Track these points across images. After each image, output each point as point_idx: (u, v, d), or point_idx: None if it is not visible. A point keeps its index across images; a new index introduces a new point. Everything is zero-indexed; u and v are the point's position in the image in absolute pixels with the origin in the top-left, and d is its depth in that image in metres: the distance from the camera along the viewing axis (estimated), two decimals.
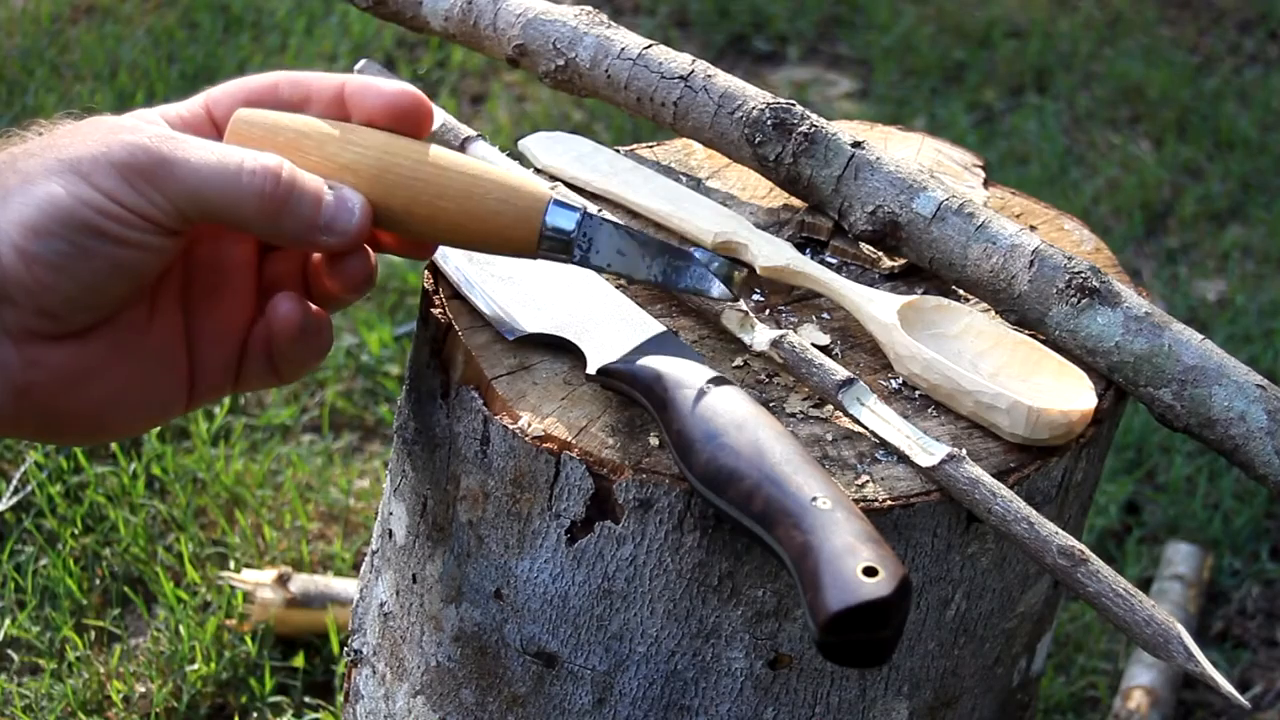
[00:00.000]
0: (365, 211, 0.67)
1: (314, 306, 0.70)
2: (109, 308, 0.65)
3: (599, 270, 0.70)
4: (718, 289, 0.70)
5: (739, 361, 0.78)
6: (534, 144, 0.94)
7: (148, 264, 0.64)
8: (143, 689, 1.35)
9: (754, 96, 0.88)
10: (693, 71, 0.90)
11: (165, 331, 0.68)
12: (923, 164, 0.94)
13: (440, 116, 0.93)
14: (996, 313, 0.83)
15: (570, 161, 0.91)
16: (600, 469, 0.71)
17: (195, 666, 1.35)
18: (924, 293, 0.84)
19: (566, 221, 0.68)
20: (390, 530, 0.86)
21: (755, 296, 0.84)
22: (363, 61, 0.96)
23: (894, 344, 0.76)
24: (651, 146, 0.98)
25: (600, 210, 0.69)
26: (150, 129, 0.65)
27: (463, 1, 0.96)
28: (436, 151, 0.68)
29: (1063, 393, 0.74)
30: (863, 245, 0.88)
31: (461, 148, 0.94)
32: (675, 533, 0.71)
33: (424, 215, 0.68)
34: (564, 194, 0.68)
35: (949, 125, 2.42)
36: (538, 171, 0.91)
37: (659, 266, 0.70)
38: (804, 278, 0.82)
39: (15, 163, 0.63)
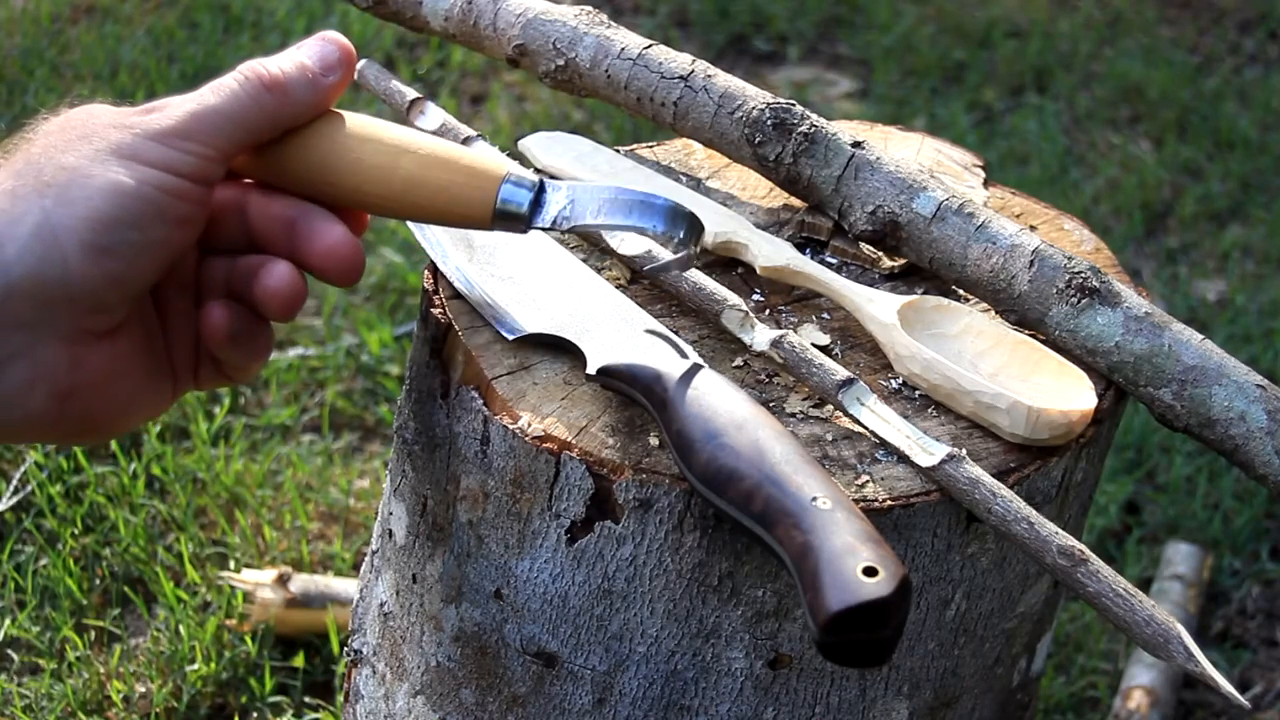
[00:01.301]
0: (338, 38, 0.71)
1: (249, 312, 0.69)
2: (142, 295, 0.66)
3: (548, 230, 0.69)
4: (662, 227, 0.69)
5: (739, 361, 0.78)
6: (534, 144, 0.94)
7: (186, 238, 0.66)
8: (143, 689, 1.35)
9: (754, 96, 0.88)
10: (693, 71, 0.90)
11: (154, 329, 0.69)
12: (923, 164, 0.94)
13: (440, 116, 0.93)
14: (997, 312, 0.83)
15: (570, 161, 0.91)
16: (600, 469, 0.71)
17: (195, 666, 1.35)
18: (924, 293, 0.84)
19: (520, 198, 0.68)
20: (390, 530, 0.86)
21: (755, 296, 0.84)
22: (363, 62, 0.96)
23: (894, 344, 0.76)
24: (651, 146, 0.98)
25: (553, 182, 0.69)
26: (122, 110, 0.67)
27: (463, 1, 0.96)
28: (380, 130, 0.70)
29: (1063, 393, 0.74)
30: (863, 245, 0.88)
31: None
32: (675, 533, 0.71)
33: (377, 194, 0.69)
34: (517, 171, 0.68)
35: (949, 125, 2.42)
36: (537, 173, 0.91)
37: (607, 208, 0.68)
38: (804, 278, 0.82)
39: (54, 157, 0.63)
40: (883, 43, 2.66)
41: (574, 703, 0.78)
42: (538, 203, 0.68)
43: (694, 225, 0.69)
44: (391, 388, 1.76)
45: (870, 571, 0.59)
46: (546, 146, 0.94)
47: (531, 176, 0.68)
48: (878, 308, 0.78)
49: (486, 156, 0.69)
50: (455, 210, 0.68)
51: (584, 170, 0.91)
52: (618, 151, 0.94)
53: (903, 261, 0.87)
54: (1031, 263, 0.81)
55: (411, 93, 0.96)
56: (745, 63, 2.64)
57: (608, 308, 0.78)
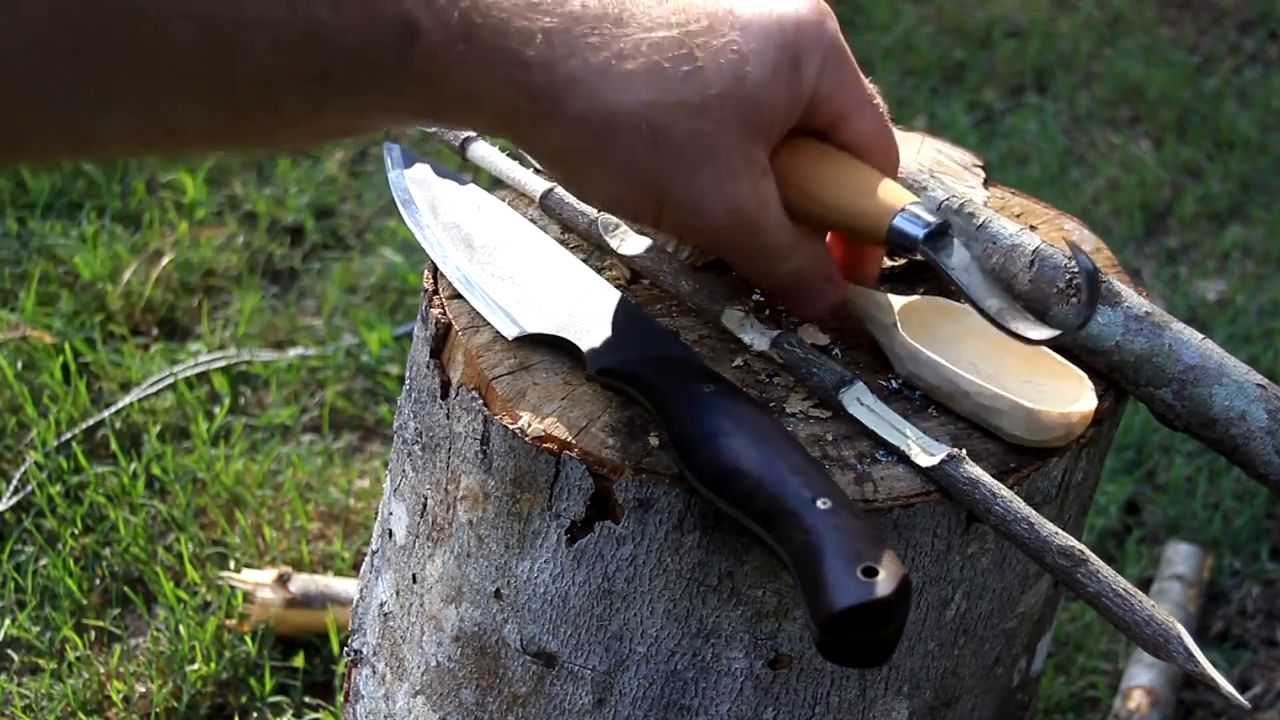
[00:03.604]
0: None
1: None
2: None
3: (949, 271, 0.71)
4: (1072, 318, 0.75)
5: (739, 361, 0.78)
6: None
7: None
8: (143, 689, 1.35)
9: None
10: None
11: None
12: (923, 164, 0.94)
13: None
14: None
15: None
16: (600, 469, 0.71)
17: (195, 666, 1.36)
18: (924, 293, 0.84)
19: (914, 229, 0.71)
20: (390, 530, 0.86)
21: (755, 296, 0.84)
22: None
23: (893, 345, 0.76)
24: None
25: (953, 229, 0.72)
26: None
27: None
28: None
29: (1063, 394, 0.74)
30: None
31: (461, 148, 0.94)
32: (675, 533, 0.71)
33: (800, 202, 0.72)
34: (915, 208, 0.70)
35: (949, 125, 2.42)
36: (536, 172, 0.91)
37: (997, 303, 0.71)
38: None
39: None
40: (883, 43, 2.66)
41: (574, 703, 0.78)
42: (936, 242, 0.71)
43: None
44: (391, 388, 1.76)
45: (870, 571, 0.59)
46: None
47: (929, 217, 0.71)
48: (877, 308, 0.78)
49: (894, 187, 0.72)
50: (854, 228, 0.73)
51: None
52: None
53: (903, 261, 0.87)
54: (1031, 263, 0.81)
55: None
56: None
57: (608, 308, 0.78)
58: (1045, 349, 0.77)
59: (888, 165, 0.73)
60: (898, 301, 0.78)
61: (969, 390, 0.73)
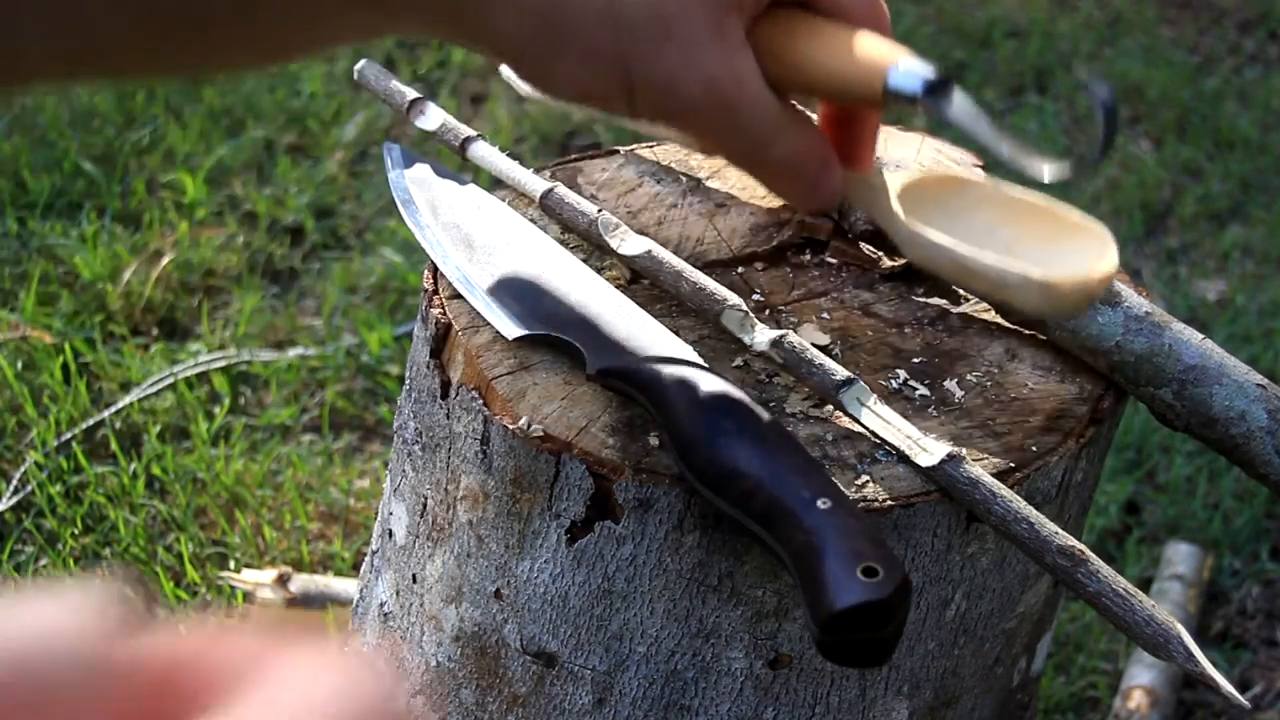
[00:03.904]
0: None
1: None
2: None
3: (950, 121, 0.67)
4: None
5: (739, 361, 0.78)
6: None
7: None
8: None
9: None
10: None
11: None
12: (923, 164, 0.94)
13: (440, 116, 0.93)
14: (997, 312, 0.83)
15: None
16: (600, 469, 0.71)
17: None
18: (924, 294, 0.84)
19: (911, 83, 0.66)
20: (390, 530, 0.86)
21: (755, 296, 0.84)
22: (363, 62, 0.96)
23: (896, 230, 0.70)
24: (651, 146, 0.98)
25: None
26: None
27: None
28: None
29: (1084, 254, 0.68)
30: (863, 245, 0.88)
31: (461, 148, 0.94)
32: (675, 533, 0.71)
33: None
34: (910, 61, 0.65)
35: (949, 125, 2.42)
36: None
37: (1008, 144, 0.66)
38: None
39: None
40: None
41: (574, 703, 0.78)
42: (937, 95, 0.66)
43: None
44: (391, 388, 1.76)
45: (870, 571, 0.59)
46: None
47: (925, 69, 0.66)
48: (876, 192, 0.72)
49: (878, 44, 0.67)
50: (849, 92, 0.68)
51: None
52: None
53: (903, 261, 0.87)
54: None
55: (411, 93, 0.96)
56: None
57: (608, 308, 0.78)
58: (1063, 210, 0.71)
59: (876, 25, 0.68)
60: (897, 181, 0.73)
61: (975, 269, 0.68)
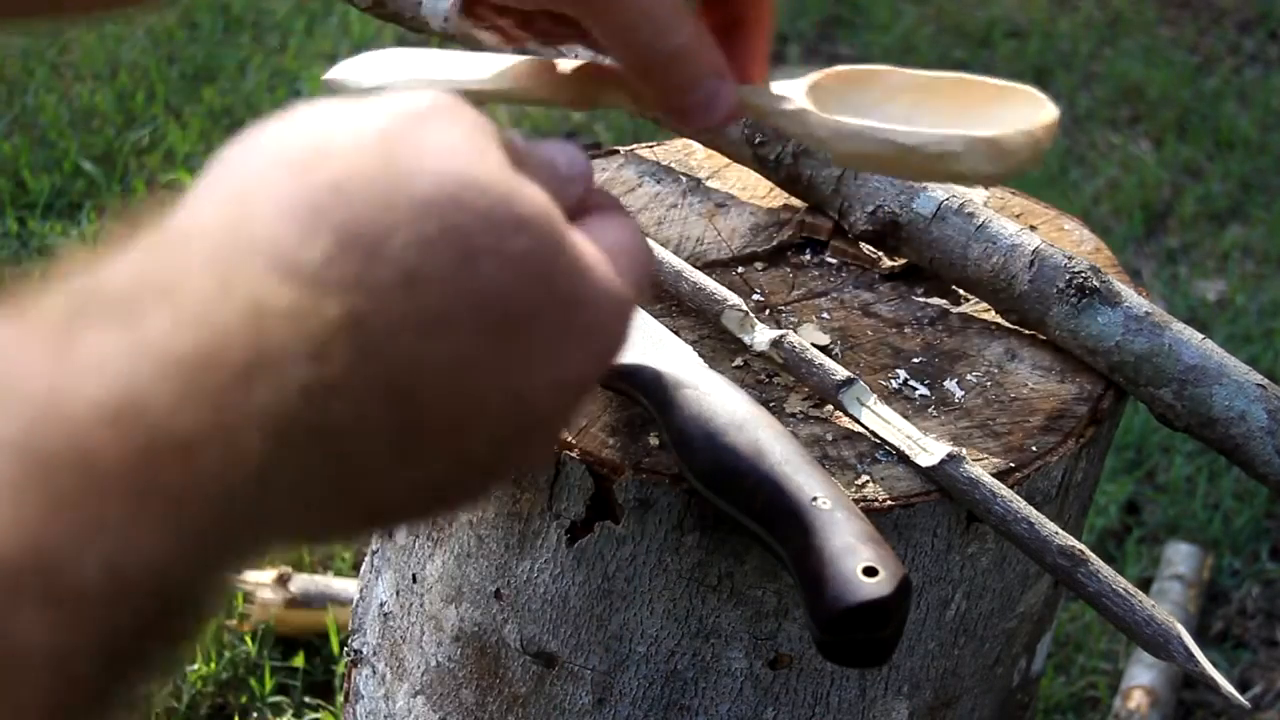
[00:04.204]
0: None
1: None
2: None
3: None
4: None
5: (739, 361, 0.78)
6: (348, 70, 0.77)
7: None
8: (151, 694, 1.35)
9: None
10: None
11: None
12: None
13: None
14: (997, 312, 0.83)
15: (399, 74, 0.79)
16: (600, 469, 0.71)
17: (195, 666, 1.35)
18: (924, 293, 0.84)
19: None
20: (390, 530, 0.86)
21: (755, 296, 0.84)
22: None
23: (812, 129, 0.63)
24: (651, 146, 0.98)
25: None
26: None
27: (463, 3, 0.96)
28: None
29: (1018, 113, 0.63)
30: (863, 245, 0.88)
31: None
32: (675, 533, 0.71)
33: None
34: None
35: None
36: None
37: None
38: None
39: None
40: (883, 43, 2.66)
41: (574, 703, 0.78)
42: None
43: None
44: None
45: (870, 571, 0.58)
46: (365, 68, 0.78)
47: None
48: (779, 99, 0.64)
49: None
50: None
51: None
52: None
53: (903, 261, 0.87)
54: (1031, 263, 0.81)
55: None
56: None
57: None
58: (981, 79, 0.66)
59: None
60: (799, 84, 0.66)
61: (912, 144, 0.62)
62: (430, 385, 0.38)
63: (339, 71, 0.74)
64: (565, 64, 0.66)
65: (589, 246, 0.46)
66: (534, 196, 0.43)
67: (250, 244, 0.35)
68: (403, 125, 0.41)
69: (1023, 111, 0.62)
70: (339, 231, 0.37)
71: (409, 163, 0.40)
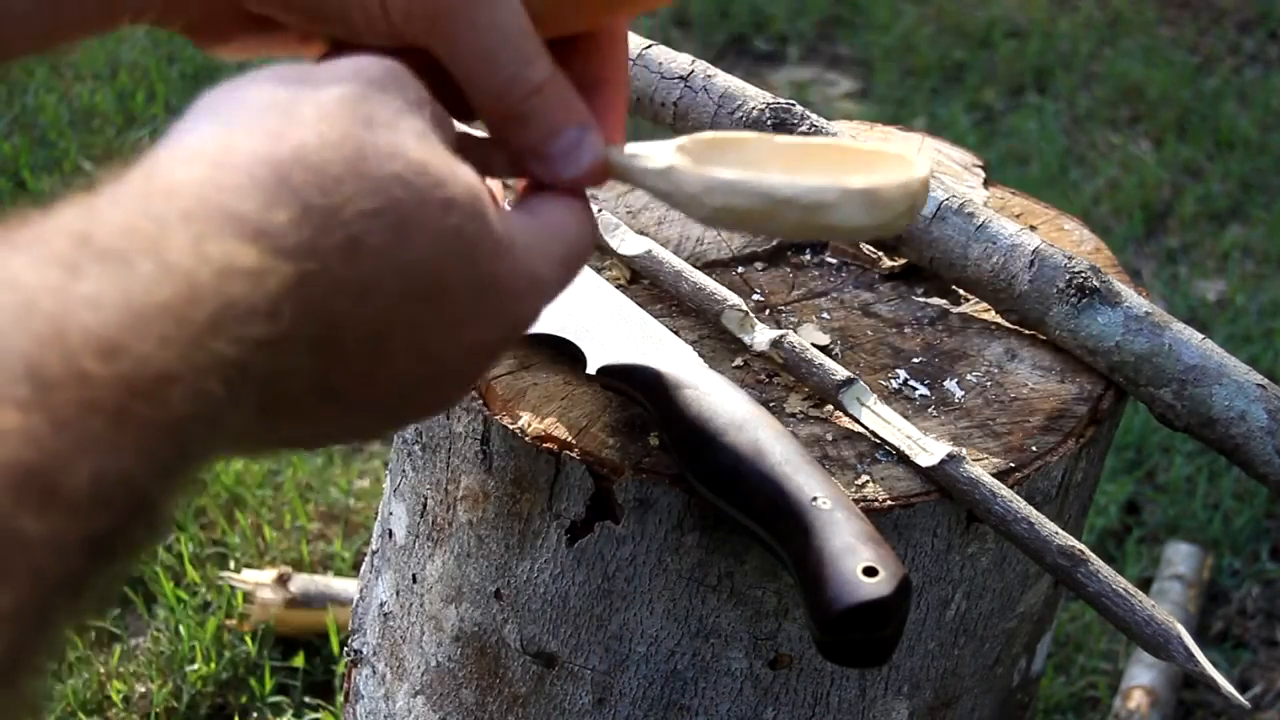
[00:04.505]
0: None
1: None
2: None
3: None
4: None
5: (739, 361, 0.78)
6: None
7: None
8: (143, 689, 1.35)
9: (754, 96, 0.88)
10: (692, 71, 0.90)
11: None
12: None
13: None
14: (997, 312, 0.83)
15: None
16: (600, 469, 0.71)
17: (195, 666, 1.35)
18: (923, 294, 0.84)
19: None
20: (390, 530, 0.86)
21: (755, 296, 0.84)
22: None
23: (682, 185, 0.60)
24: None
25: None
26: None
27: None
28: None
29: (891, 171, 0.61)
30: (863, 245, 0.88)
31: None
32: (675, 533, 0.71)
33: None
34: None
35: (949, 125, 2.42)
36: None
37: None
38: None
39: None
40: (883, 43, 2.66)
41: (574, 703, 0.78)
42: None
43: None
44: None
45: (870, 571, 0.58)
46: None
47: None
48: (647, 159, 0.60)
49: None
50: None
51: None
52: None
53: (903, 261, 0.87)
54: (1031, 263, 0.81)
55: None
56: (745, 63, 2.64)
57: (608, 308, 0.78)
58: (855, 145, 0.64)
59: None
60: (666, 145, 0.63)
61: (787, 195, 0.59)
62: (352, 341, 0.43)
63: None
64: None
65: (518, 228, 0.51)
66: (465, 178, 0.47)
67: (222, 208, 0.39)
68: (359, 97, 0.45)
69: (896, 175, 0.60)
70: (299, 200, 0.41)
71: (362, 138, 0.44)
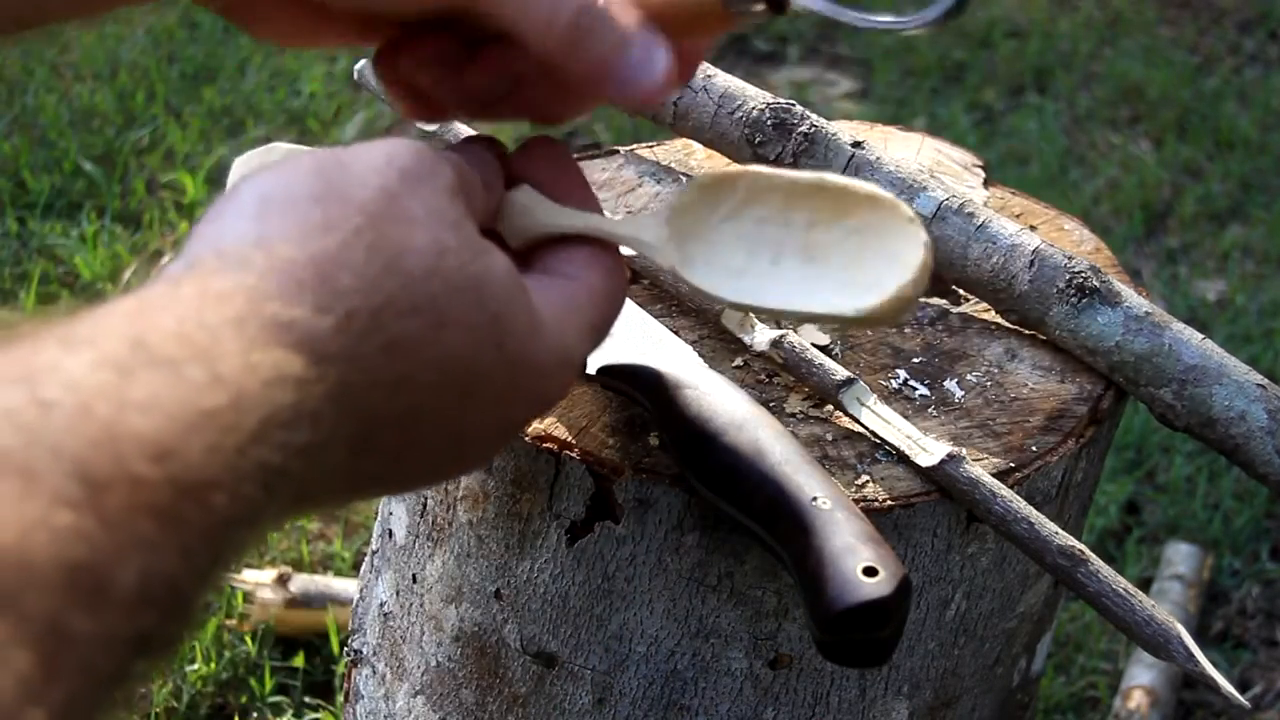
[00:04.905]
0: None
1: None
2: None
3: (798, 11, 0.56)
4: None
5: (739, 361, 0.78)
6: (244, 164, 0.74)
7: None
8: (142, 689, 1.35)
9: (754, 96, 0.88)
10: None
11: None
12: (923, 164, 0.94)
13: None
14: (997, 312, 0.83)
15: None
16: (600, 469, 0.71)
17: (195, 666, 1.35)
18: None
19: None
20: (390, 530, 0.86)
21: None
22: (362, 62, 0.96)
23: (679, 286, 0.62)
24: (651, 146, 0.98)
25: None
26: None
27: None
28: None
29: (886, 236, 0.60)
30: None
31: None
32: (675, 533, 0.71)
33: None
34: None
35: (949, 125, 2.42)
36: None
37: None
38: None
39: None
40: (883, 43, 2.66)
41: (574, 703, 0.78)
42: None
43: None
44: None
45: (870, 571, 0.58)
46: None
47: None
48: (650, 249, 0.60)
49: None
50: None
51: None
52: None
53: None
54: (1031, 263, 0.81)
55: None
56: (745, 63, 2.64)
57: None
58: (848, 183, 0.62)
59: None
60: (663, 219, 0.61)
61: (778, 306, 0.60)
62: (385, 432, 0.44)
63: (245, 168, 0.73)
64: None
65: (551, 302, 0.52)
66: (499, 264, 0.48)
67: (270, 317, 0.40)
68: (395, 193, 0.46)
69: (893, 228, 0.59)
70: (343, 305, 0.42)
71: (401, 237, 0.45)
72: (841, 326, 0.62)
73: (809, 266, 0.60)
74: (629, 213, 0.90)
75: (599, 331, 0.55)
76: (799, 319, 0.62)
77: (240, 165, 0.73)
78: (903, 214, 0.59)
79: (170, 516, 0.35)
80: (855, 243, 0.60)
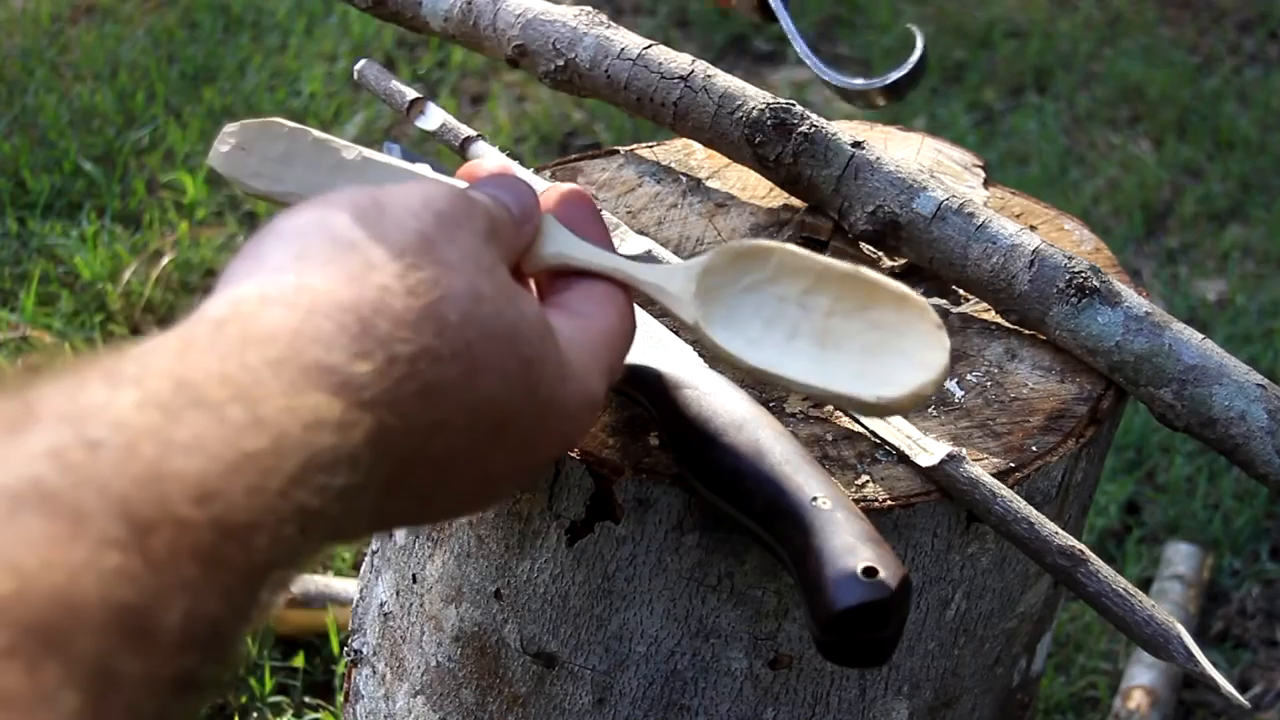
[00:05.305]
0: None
1: None
2: None
3: None
4: None
5: None
6: (236, 155, 0.71)
7: None
8: None
9: (754, 96, 0.88)
10: (693, 72, 0.90)
11: None
12: (923, 164, 0.94)
13: (440, 116, 0.93)
14: (997, 312, 0.83)
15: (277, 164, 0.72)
16: (600, 469, 0.71)
17: None
18: (923, 293, 0.83)
19: None
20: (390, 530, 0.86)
21: None
22: (363, 62, 0.97)
23: (707, 343, 0.63)
24: (651, 146, 0.98)
25: None
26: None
27: (462, 2, 0.96)
28: None
29: (907, 329, 0.61)
30: (863, 245, 0.88)
31: (462, 148, 0.94)
32: (675, 533, 0.71)
33: None
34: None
35: (949, 125, 2.42)
36: (536, 171, 0.91)
37: None
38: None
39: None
40: (883, 43, 2.66)
41: (574, 703, 0.78)
42: None
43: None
44: None
45: (870, 571, 0.58)
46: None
47: None
48: (678, 299, 0.62)
49: None
50: None
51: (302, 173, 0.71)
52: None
53: (903, 261, 0.87)
54: (1031, 263, 0.81)
55: (411, 93, 0.96)
56: (745, 63, 2.64)
57: None
58: (875, 276, 0.62)
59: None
60: (693, 278, 0.63)
61: (800, 379, 0.61)
62: (418, 472, 0.45)
63: (224, 163, 0.71)
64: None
65: (575, 344, 0.54)
66: (530, 313, 0.50)
67: (312, 360, 0.41)
68: (432, 240, 0.47)
69: (915, 327, 0.60)
70: (383, 351, 0.43)
71: (438, 284, 0.46)
72: (854, 410, 0.65)
73: (823, 351, 0.62)
74: (629, 213, 0.90)
75: (615, 372, 0.58)
76: (818, 397, 0.63)
77: (232, 133, 0.71)
78: (930, 319, 0.61)
79: (213, 558, 0.36)
80: (875, 337, 0.62)
